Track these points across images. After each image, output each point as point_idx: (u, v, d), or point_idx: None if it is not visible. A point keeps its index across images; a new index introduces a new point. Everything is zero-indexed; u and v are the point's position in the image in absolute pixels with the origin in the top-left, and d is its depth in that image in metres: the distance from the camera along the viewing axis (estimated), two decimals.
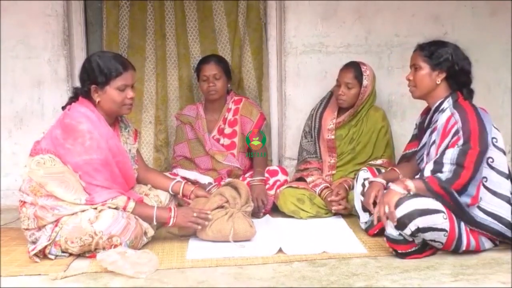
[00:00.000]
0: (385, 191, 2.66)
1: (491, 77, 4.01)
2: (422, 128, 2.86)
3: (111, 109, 2.79)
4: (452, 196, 2.48)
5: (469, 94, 2.73)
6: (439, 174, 2.52)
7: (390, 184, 2.66)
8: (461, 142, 2.52)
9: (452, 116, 2.60)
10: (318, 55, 3.88)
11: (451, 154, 2.52)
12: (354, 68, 3.42)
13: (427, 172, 2.56)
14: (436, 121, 2.68)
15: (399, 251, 2.54)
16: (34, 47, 3.76)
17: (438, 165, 2.54)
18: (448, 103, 2.68)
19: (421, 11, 3.90)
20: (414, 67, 2.75)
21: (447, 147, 2.54)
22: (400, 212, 2.43)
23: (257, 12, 3.98)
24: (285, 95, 3.92)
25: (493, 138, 2.61)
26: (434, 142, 2.65)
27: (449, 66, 2.68)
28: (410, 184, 2.52)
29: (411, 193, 2.50)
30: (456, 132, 2.55)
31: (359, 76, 3.39)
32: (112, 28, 3.92)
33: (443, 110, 2.67)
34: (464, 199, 2.50)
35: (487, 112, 2.66)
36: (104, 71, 2.72)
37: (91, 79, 2.74)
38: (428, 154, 2.69)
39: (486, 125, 2.57)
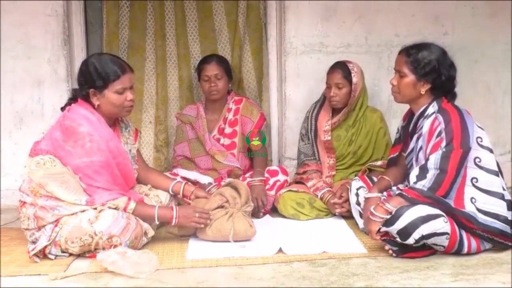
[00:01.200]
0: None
1: (491, 77, 4.02)
2: (406, 132, 2.87)
3: (110, 112, 2.78)
4: (440, 201, 2.50)
5: (453, 98, 2.73)
6: (421, 182, 2.54)
7: (370, 208, 2.69)
8: (443, 144, 2.54)
9: (436, 119, 2.62)
10: (318, 55, 3.88)
11: (434, 159, 2.54)
12: (341, 68, 3.41)
13: (412, 178, 2.59)
14: (422, 127, 2.69)
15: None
16: (34, 47, 3.75)
17: (423, 171, 2.56)
18: (433, 108, 2.68)
19: (421, 11, 3.90)
20: (399, 73, 2.73)
21: (431, 152, 2.56)
22: (402, 222, 2.43)
23: (257, 12, 3.98)
24: (285, 95, 3.92)
25: (478, 137, 2.62)
26: (421, 148, 2.67)
27: (435, 78, 2.67)
28: (389, 206, 2.56)
29: (392, 212, 2.51)
30: (439, 134, 2.57)
31: (347, 75, 3.38)
32: (112, 28, 3.92)
33: (428, 116, 2.68)
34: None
35: (470, 114, 2.67)
36: (102, 75, 2.70)
37: (89, 83, 2.72)
38: (417, 159, 2.70)
39: (468, 126, 2.58)
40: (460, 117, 2.60)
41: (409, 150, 2.82)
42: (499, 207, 2.57)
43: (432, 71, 2.66)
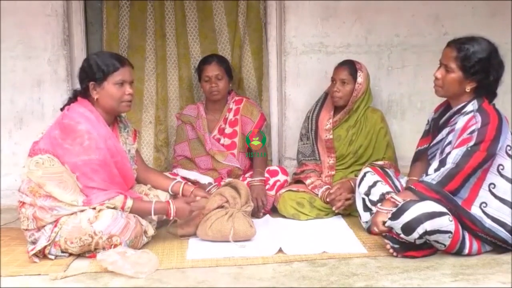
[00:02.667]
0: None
1: None
2: (437, 124, 2.78)
3: (110, 105, 2.79)
4: (447, 197, 2.49)
5: (493, 98, 2.65)
6: (432, 176, 2.52)
7: (378, 204, 2.69)
8: (471, 143, 2.50)
9: (474, 118, 2.55)
10: (318, 55, 3.88)
11: (455, 154, 2.51)
12: (349, 65, 3.44)
13: (431, 171, 2.57)
14: (456, 122, 2.62)
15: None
16: (34, 47, 3.75)
17: (441, 164, 2.54)
18: (472, 107, 2.60)
19: (421, 11, 3.90)
20: (446, 67, 2.61)
21: (456, 147, 2.53)
22: (407, 217, 2.42)
23: (257, 12, 3.98)
24: (285, 95, 3.92)
25: (507, 145, 2.58)
26: (449, 142, 2.62)
27: (483, 78, 2.57)
28: (397, 198, 2.56)
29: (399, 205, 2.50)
30: (472, 132, 2.52)
31: (353, 73, 3.41)
32: (112, 28, 3.92)
33: (465, 113, 2.60)
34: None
35: (508, 122, 2.62)
36: (101, 67, 2.74)
37: (89, 76, 2.76)
38: (441, 152, 2.65)
39: (502, 134, 2.53)
40: (498, 122, 2.53)
41: (435, 141, 2.75)
42: (509, 217, 2.55)
43: (481, 71, 2.56)
